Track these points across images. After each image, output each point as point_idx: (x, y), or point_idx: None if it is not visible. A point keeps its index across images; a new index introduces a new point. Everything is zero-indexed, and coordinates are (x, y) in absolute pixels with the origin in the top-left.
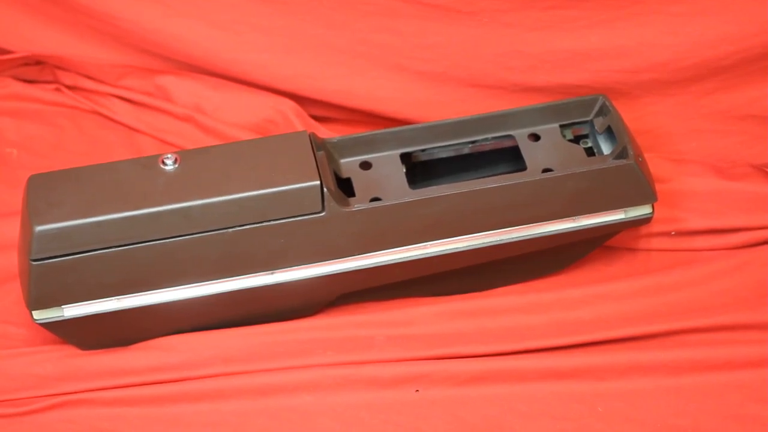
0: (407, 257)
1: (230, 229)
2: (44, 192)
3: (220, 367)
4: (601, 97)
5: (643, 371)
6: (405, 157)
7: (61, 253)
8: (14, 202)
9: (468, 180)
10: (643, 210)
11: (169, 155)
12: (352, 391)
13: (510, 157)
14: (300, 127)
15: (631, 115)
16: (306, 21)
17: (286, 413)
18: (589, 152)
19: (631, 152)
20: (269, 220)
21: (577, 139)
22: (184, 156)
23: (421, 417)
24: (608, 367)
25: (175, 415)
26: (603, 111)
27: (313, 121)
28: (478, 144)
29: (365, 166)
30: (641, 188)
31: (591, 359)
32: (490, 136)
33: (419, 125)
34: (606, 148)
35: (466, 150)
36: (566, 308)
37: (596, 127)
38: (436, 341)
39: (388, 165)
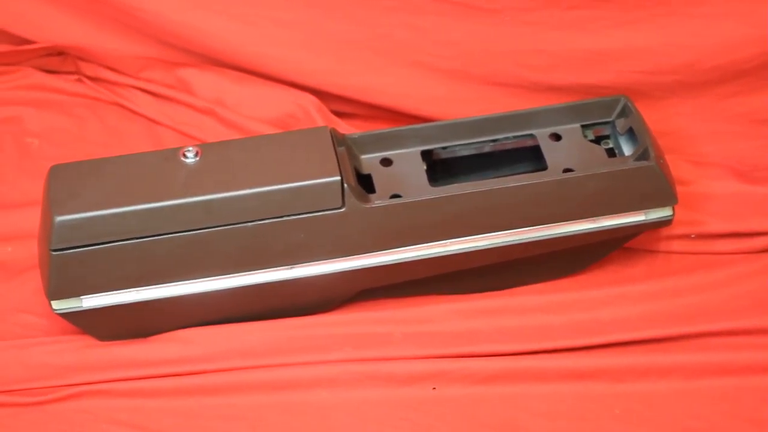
0: (426, 255)
1: (250, 223)
2: (65, 182)
3: (237, 361)
4: (622, 98)
5: (661, 373)
6: (426, 155)
7: (81, 244)
8: (35, 192)
9: (488, 178)
10: (664, 212)
11: (190, 148)
12: (368, 387)
13: (531, 157)
14: (321, 123)
15: (653, 116)
16: (327, 16)
17: (303, 408)
18: (610, 153)
19: (652, 154)
20: (289, 215)
21: (598, 140)
22: (205, 149)
23: (438, 415)
24: (626, 368)
25: (191, 408)
26: (625, 112)
27: (334, 117)
28: (499, 143)
29: (386, 162)
30: (662, 190)
31: (609, 360)
32: (511, 134)
33: (441, 122)
34: (627, 149)
35: (487, 148)
36: (585, 309)
37: (618, 128)
38: (454, 339)
39: (409, 162)
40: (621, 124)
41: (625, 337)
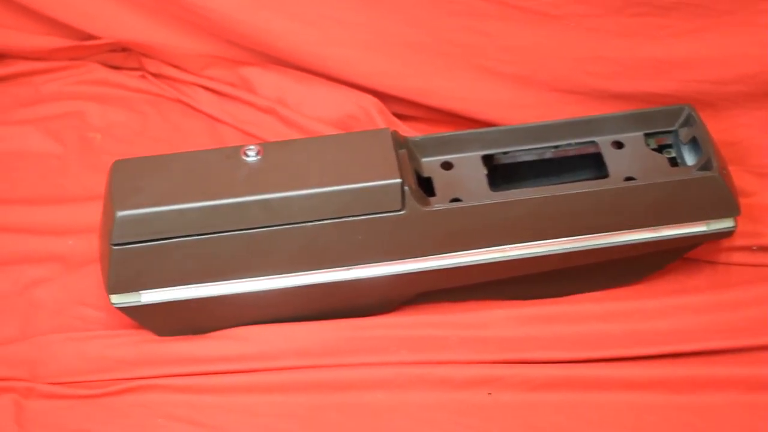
0: (485, 259)
1: (309, 223)
2: (127, 178)
3: (293, 360)
4: (686, 107)
5: (719, 386)
6: (487, 159)
7: (142, 239)
8: (97, 187)
9: (549, 185)
10: (726, 223)
11: (251, 147)
12: (424, 390)
13: (592, 164)
14: (382, 125)
15: (717, 126)
16: (391, 18)
17: (358, 409)
18: (673, 162)
19: (715, 164)
20: (348, 216)
21: (660, 149)
22: (266, 148)
23: (492, 420)
24: (683, 380)
25: (247, 405)
26: (688, 121)
27: (395, 119)
28: (561, 149)
29: (446, 166)
30: (725, 201)
31: (666, 371)
32: (573, 141)
33: (503, 127)
34: (690, 159)
35: (548, 154)
36: (644, 318)
37: (681, 138)
38: (510, 345)
39: (470, 166)
40: (684, 133)
41: (683, 348)
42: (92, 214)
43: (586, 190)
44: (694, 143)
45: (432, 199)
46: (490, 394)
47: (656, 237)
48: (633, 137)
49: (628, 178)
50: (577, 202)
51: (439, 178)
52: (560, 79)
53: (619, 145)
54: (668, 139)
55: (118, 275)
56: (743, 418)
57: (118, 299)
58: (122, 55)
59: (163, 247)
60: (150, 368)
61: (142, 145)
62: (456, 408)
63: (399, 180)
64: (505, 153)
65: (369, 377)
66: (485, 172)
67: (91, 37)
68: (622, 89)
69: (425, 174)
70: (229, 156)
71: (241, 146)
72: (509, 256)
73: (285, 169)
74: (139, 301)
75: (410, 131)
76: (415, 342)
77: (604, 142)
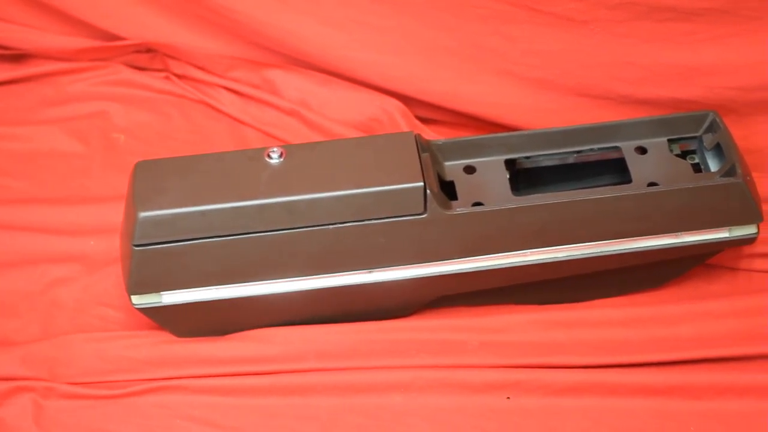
0: (507, 264)
1: (331, 226)
2: (150, 179)
3: (313, 362)
4: (711, 114)
5: (740, 393)
6: (509, 164)
7: (163, 240)
8: (119, 187)
9: (572, 190)
10: (748, 230)
11: (275, 149)
12: (443, 394)
13: (615, 169)
14: (405, 128)
15: (741, 133)
16: (416, 22)
17: (377, 412)
18: (696, 168)
19: (739, 171)
20: (370, 219)
21: (684, 155)
22: (289, 150)
23: (511, 425)
24: (704, 386)
25: (267, 407)
26: (713, 127)
27: (418, 123)
28: (583, 154)
29: (469, 170)
30: (747, 208)
31: (686, 377)
32: (596, 146)
33: (526, 132)
34: (714, 165)
35: (571, 159)
36: (664, 324)
37: (705, 144)
38: (529, 350)
39: (492, 170)
40: (708, 139)
41: (704, 355)
42: (114, 214)
43: (609, 195)
44: (718, 149)
45: (454, 202)
46: (509, 398)
47: (678, 243)
48: (656, 143)
49: (651, 184)
50: (599, 207)
51: (462, 182)
52: (585, 85)
53: (642, 150)
54: (692, 145)
55: (139, 276)
56: (764, 425)
57: (138, 300)
58: (147, 56)
59: (185, 249)
60: (169, 369)
61: (165, 146)
62: (475, 412)
63: (421, 183)
64: (527, 157)
65: (388, 380)
66: (508, 176)
67: (116, 38)
68: (646, 95)
69: (448, 178)
70: (252, 158)
71: (264, 148)
72: (531, 260)
73: (308, 172)
74: (160, 302)
75: (433, 135)
76: (434, 345)
77: (627, 147)
